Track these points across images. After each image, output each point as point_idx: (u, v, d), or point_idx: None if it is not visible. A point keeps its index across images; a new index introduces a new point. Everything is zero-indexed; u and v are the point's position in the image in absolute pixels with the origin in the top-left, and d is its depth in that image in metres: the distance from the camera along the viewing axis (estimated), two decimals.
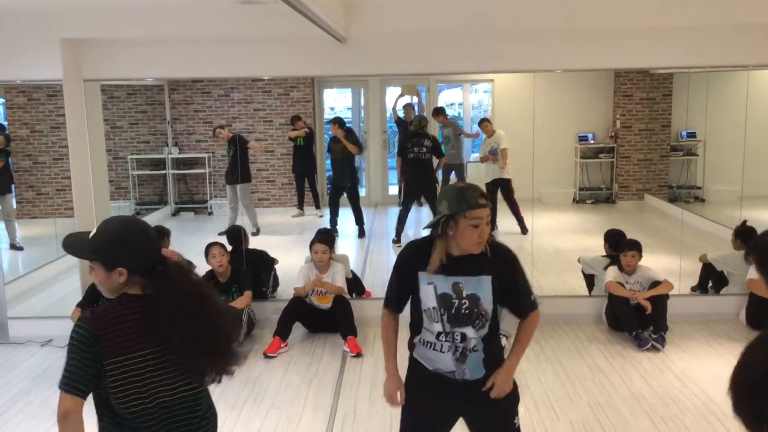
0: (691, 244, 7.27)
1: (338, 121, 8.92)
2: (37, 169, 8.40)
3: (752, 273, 5.91)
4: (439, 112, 9.74)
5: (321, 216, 9.40)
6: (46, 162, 8.31)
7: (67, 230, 7.10)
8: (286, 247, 8.32)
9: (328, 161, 9.65)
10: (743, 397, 1.45)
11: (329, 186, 9.57)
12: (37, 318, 6.46)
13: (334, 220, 8.69)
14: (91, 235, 2.34)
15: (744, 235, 6.39)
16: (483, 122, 9.03)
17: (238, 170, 8.37)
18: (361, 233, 8.92)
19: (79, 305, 5.79)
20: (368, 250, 8.49)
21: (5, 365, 5.73)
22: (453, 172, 9.41)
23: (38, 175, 8.39)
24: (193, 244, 7.98)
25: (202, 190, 9.69)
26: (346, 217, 8.86)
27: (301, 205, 9.53)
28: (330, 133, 9.19)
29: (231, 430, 3.13)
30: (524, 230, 8.26)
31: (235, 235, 6.82)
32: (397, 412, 3.41)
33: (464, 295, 2.81)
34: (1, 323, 6.33)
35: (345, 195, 8.90)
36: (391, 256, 8.31)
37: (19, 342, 6.17)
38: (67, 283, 6.95)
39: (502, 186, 8.59)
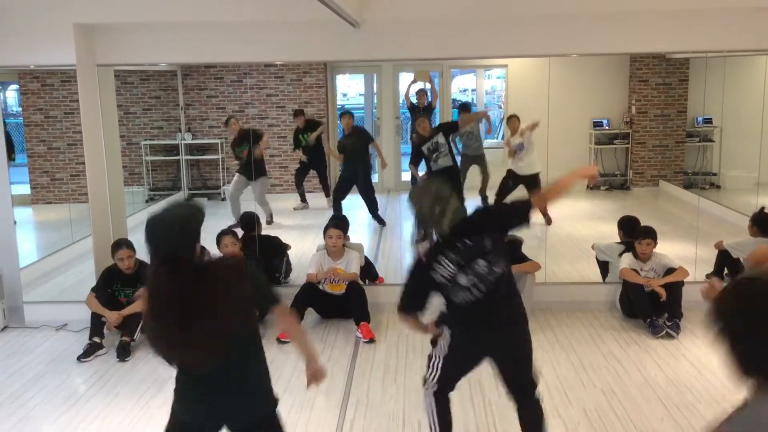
0: (706, 230, 7.21)
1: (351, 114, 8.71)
2: (51, 154, 8.42)
3: None
4: (465, 108, 9.36)
5: (330, 208, 9.22)
6: (60, 147, 8.32)
7: (81, 215, 7.16)
8: (299, 233, 8.32)
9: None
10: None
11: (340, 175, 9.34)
12: (52, 302, 6.50)
13: (338, 206, 8.41)
14: None
15: (761, 221, 6.33)
16: (512, 118, 8.61)
17: (252, 166, 8.25)
18: (379, 221, 8.64)
19: (93, 290, 5.83)
20: (381, 236, 8.47)
21: (21, 349, 5.78)
22: (475, 164, 9.00)
23: (53, 160, 8.41)
24: (207, 229, 8.01)
25: (215, 175, 9.70)
26: (353, 206, 8.64)
27: (303, 197, 9.26)
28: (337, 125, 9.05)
29: None
30: (548, 221, 7.90)
31: (249, 220, 6.82)
32: (409, 398, 3.46)
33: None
34: (16, 308, 6.38)
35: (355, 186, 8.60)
36: (404, 243, 8.29)
37: (35, 326, 6.22)
38: (81, 267, 6.99)
39: (528, 182, 8.08)
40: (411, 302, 3.51)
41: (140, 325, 5.69)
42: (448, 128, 8.12)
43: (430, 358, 3.66)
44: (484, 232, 3.38)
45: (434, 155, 7.94)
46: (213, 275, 2.58)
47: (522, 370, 3.57)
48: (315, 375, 2.97)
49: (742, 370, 1.68)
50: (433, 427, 3.68)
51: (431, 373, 3.62)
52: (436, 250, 3.41)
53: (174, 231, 2.56)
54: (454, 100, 10.81)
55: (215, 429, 2.80)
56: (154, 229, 2.56)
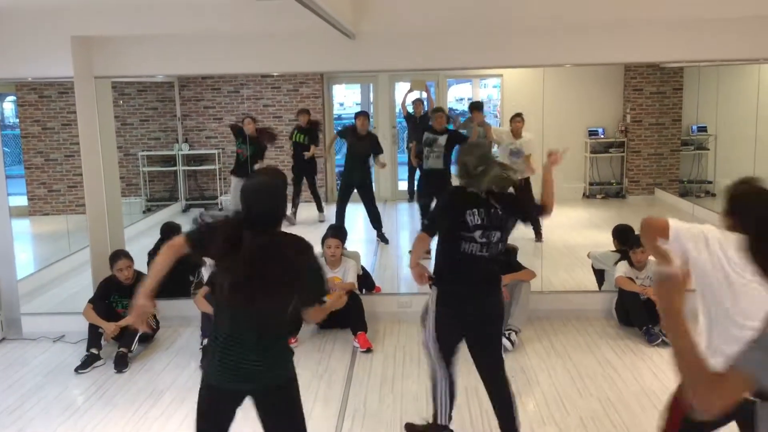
0: None
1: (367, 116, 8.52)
2: (48, 166, 8.44)
3: None
4: (477, 107, 8.94)
5: (322, 221, 9.02)
6: (57, 159, 8.34)
7: (79, 227, 7.17)
8: None
9: (338, 157, 9.59)
10: None
11: (339, 183, 9.28)
12: (49, 314, 6.50)
13: (340, 220, 8.31)
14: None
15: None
16: (515, 118, 8.22)
17: (248, 166, 8.19)
18: (383, 239, 8.48)
19: (90, 301, 5.83)
20: (379, 245, 8.49)
21: (18, 361, 5.78)
22: None
23: (50, 172, 8.43)
24: None
25: (212, 186, 9.73)
26: (351, 216, 8.61)
27: (294, 212, 9.03)
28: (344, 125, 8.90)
29: (241, 425, 3.15)
30: (539, 238, 7.63)
31: None
32: (406, 407, 3.50)
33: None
34: (14, 319, 6.39)
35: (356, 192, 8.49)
36: (401, 252, 8.31)
37: (33, 338, 6.22)
38: (79, 279, 6.99)
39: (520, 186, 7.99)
40: (439, 222, 3.93)
41: (139, 333, 5.72)
42: (455, 138, 7.87)
43: (423, 319, 4.09)
44: (512, 213, 3.85)
45: (427, 149, 7.85)
46: (286, 244, 2.97)
47: (494, 349, 3.99)
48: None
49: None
50: (441, 399, 4.07)
51: (426, 333, 4.01)
52: (473, 199, 3.77)
53: (265, 199, 2.96)
54: (450, 109, 10.84)
55: (242, 392, 3.06)
56: (250, 195, 2.95)
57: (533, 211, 4.07)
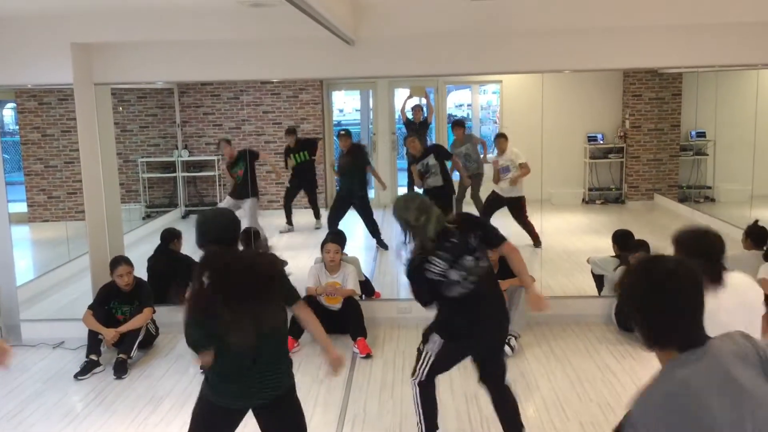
0: None
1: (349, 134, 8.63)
2: (48, 172, 8.45)
3: (764, 272, 5.89)
4: (459, 124, 9.14)
5: (318, 228, 9.04)
6: (57, 165, 8.36)
7: (78, 233, 7.17)
8: (295, 248, 8.34)
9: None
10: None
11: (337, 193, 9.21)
12: (49, 320, 6.50)
13: (334, 227, 8.20)
14: None
15: (755, 234, 6.36)
16: (500, 137, 8.43)
17: (248, 185, 8.09)
18: (382, 245, 8.49)
19: (90, 307, 5.83)
20: (378, 251, 8.49)
21: (18, 367, 5.77)
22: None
23: (49, 178, 8.45)
24: None
25: (211, 192, 9.73)
26: (350, 222, 8.59)
27: (289, 219, 9.10)
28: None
29: (242, 429, 3.16)
30: (537, 243, 7.75)
31: (249, 236, 6.83)
32: (406, 413, 3.49)
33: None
34: (13, 326, 6.38)
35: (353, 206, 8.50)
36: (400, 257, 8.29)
37: (32, 344, 6.22)
38: (78, 285, 7.00)
39: (512, 204, 8.10)
40: (426, 297, 3.84)
41: (138, 340, 5.72)
42: (441, 153, 8.14)
43: (419, 351, 3.92)
44: (468, 233, 3.74)
45: (426, 175, 8.01)
46: (258, 264, 3.04)
47: (498, 359, 3.98)
48: (337, 361, 3.42)
49: (652, 341, 1.92)
50: (418, 415, 3.97)
51: (421, 366, 3.88)
52: (423, 256, 3.70)
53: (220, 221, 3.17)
54: (449, 115, 10.87)
55: (245, 409, 3.14)
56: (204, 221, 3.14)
57: (492, 235, 3.85)
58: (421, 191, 8.16)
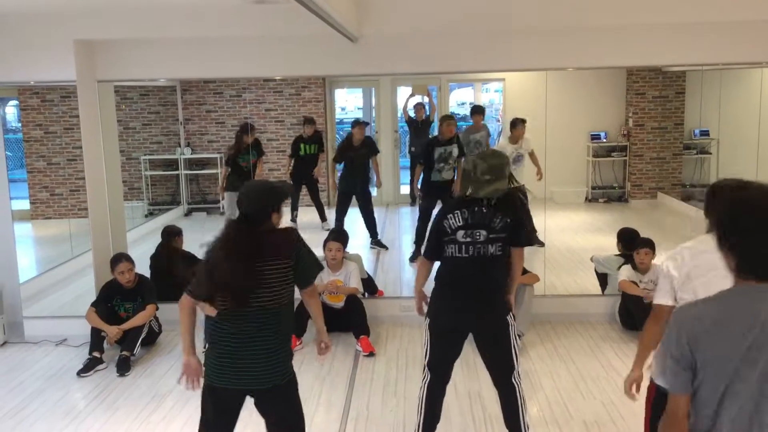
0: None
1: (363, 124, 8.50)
2: (51, 170, 8.44)
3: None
4: (479, 110, 8.96)
5: (327, 230, 8.73)
6: (60, 163, 8.35)
7: (81, 230, 7.16)
8: None
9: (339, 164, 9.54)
10: None
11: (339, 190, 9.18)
12: (52, 318, 6.50)
13: (340, 222, 8.33)
14: None
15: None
16: (519, 123, 8.07)
17: (252, 177, 8.00)
18: (379, 245, 8.48)
19: (93, 305, 5.84)
20: (380, 250, 8.48)
21: (20, 364, 5.77)
22: None
23: (52, 176, 8.44)
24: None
25: (214, 190, 9.71)
26: (353, 220, 8.58)
27: (293, 215, 8.89)
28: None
29: (243, 428, 3.16)
30: (541, 244, 7.43)
31: None
32: (409, 411, 3.48)
33: None
34: (16, 323, 6.38)
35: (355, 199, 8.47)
36: (403, 256, 8.30)
37: (35, 341, 6.22)
38: (81, 282, 6.99)
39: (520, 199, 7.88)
40: (433, 250, 3.84)
41: (141, 337, 5.71)
42: (461, 148, 7.92)
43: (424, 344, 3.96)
44: (500, 211, 3.72)
45: (441, 164, 7.82)
46: (274, 237, 3.17)
47: (500, 354, 3.83)
48: (325, 349, 3.61)
49: (737, 266, 1.98)
50: (419, 414, 3.94)
51: (424, 355, 3.90)
52: (456, 203, 3.82)
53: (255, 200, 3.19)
54: (452, 114, 10.84)
55: (243, 392, 3.17)
56: (245, 195, 3.21)
57: (521, 229, 3.85)
58: (418, 185, 8.13)
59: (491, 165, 3.68)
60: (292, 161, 8.97)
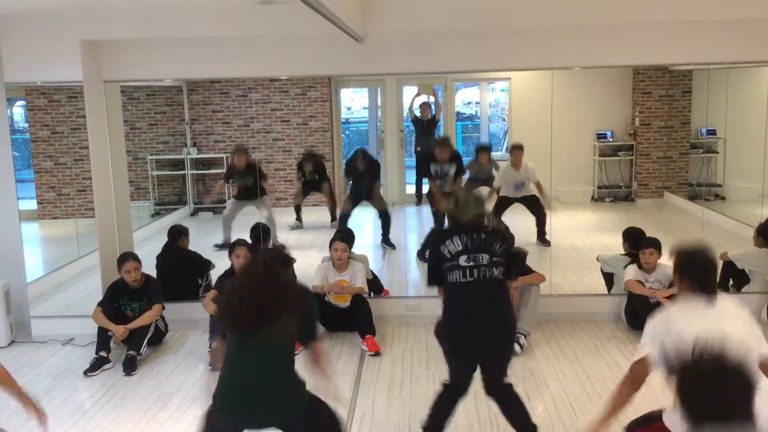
0: (711, 242, 7.18)
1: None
2: (57, 170, 8.47)
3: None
4: (485, 149, 8.78)
5: (335, 227, 9.07)
6: (66, 163, 8.37)
7: (88, 230, 7.19)
8: (303, 247, 8.34)
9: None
10: None
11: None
12: (59, 317, 6.53)
13: (344, 222, 8.24)
14: None
15: (767, 232, 6.33)
16: (516, 150, 8.10)
17: (258, 189, 8.14)
18: (389, 244, 8.42)
19: (100, 304, 5.85)
20: (386, 250, 8.47)
21: (27, 364, 5.80)
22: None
23: (59, 176, 8.46)
24: (212, 243, 8.05)
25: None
26: (359, 219, 8.53)
27: (298, 215, 9.09)
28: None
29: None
30: (547, 243, 7.58)
31: (260, 232, 6.83)
32: (415, 411, 3.47)
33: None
34: (23, 322, 6.41)
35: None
36: (409, 255, 8.30)
37: (42, 341, 6.24)
38: (88, 282, 7.02)
39: (528, 200, 7.93)
40: (434, 276, 3.96)
41: (147, 336, 5.72)
42: (458, 167, 7.98)
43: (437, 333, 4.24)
44: (497, 238, 3.89)
45: (438, 181, 8.00)
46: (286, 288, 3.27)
47: (502, 365, 3.97)
48: (337, 395, 3.65)
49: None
50: (430, 411, 4.01)
51: (449, 374, 4.01)
52: (451, 230, 3.99)
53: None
54: (458, 113, 10.83)
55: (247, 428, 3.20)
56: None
57: (515, 260, 4.22)
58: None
59: (472, 195, 4.15)
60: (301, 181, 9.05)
